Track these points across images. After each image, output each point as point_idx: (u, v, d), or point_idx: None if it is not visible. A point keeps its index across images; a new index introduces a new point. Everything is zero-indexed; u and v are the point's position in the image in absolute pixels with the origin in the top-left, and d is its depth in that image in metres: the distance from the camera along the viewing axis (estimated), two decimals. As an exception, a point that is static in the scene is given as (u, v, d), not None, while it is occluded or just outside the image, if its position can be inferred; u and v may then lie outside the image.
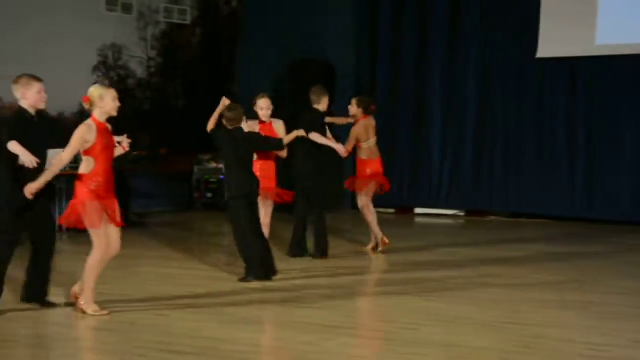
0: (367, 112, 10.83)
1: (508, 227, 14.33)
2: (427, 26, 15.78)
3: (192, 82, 16.55)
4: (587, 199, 14.53)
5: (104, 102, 7.07)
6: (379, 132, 15.99)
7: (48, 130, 7.47)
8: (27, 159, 6.92)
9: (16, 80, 7.32)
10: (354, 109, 10.82)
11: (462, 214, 15.77)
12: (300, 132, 9.45)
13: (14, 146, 6.99)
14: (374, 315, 7.32)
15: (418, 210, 15.98)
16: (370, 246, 10.91)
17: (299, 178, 10.22)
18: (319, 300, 7.91)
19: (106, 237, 7.06)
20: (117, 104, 7.12)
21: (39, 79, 7.33)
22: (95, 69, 14.98)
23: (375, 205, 16.11)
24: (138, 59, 15.68)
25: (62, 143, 7.04)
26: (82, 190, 7.02)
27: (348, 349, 6.34)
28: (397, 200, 16.02)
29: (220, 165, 15.90)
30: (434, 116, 15.72)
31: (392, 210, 16.08)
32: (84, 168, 7.06)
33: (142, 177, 14.94)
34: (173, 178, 15.96)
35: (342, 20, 16.34)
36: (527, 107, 14.98)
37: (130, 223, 13.36)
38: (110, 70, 15.16)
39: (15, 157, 7.00)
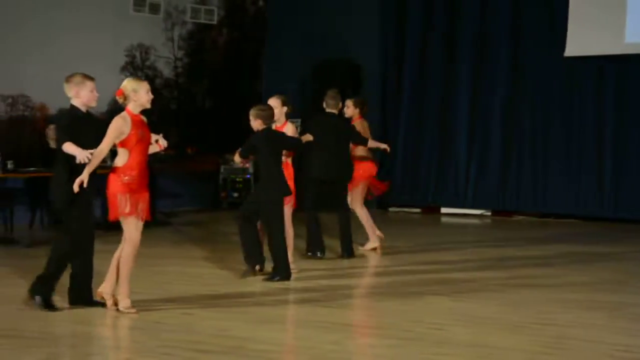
0: (362, 113, 10.82)
1: (535, 227, 14.26)
2: (455, 26, 15.71)
3: (219, 82, 16.56)
4: (615, 199, 14.42)
5: (138, 94, 7.12)
6: (407, 131, 16.07)
7: (98, 128, 7.51)
8: (82, 155, 6.94)
9: (69, 79, 7.36)
10: (350, 110, 10.79)
11: (488, 213, 15.69)
12: (309, 137, 9.58)
13: (68, 147, 7.04)
14: (399, 315, 7.28)
15: (444, 210, 15.91)
16: (369, 246, 10.76)
17: (318, 179, 10.16)
18: (342, 300, 7.89)
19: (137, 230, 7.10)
20: (151, 96, 7.19)
21: (91, 78, 7.39)
22: (123, 69, 14.99)
23: (402, 205, 16.16)
24: (165, 59, 15.71)
25: None
26: (115, 183, 7.06)
27: (372, 349, 6.32)
28: (423, 200, 15.99)
29: (247, 165, 15.93)
30: (461, 116, 15.67)
31: (418, 210, 16.04)
32: (119, 160, 7.11)
33: (168, 177, 14.97)
34: (199, 177, 15.99)
35: (369, 20, 16.31)
36: (555, 107, 14.89)
37: (157, 222, 13.42)
38: (137, 70, 15.18)
39: (72, 157, 7.04)
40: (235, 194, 16.06)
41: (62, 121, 7.34)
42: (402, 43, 16.15)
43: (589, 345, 6.51)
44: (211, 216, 15.24)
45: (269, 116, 8.83)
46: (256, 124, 8.79)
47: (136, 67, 15.22)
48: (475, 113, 15.62)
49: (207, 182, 16.10)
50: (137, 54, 15.27)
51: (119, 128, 7.05)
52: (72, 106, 7.32)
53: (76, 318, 7.18)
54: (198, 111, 16.32)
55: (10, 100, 13.46)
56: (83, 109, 7.32)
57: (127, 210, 7.07)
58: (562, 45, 14.72)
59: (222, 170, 16.06)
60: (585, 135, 14.66)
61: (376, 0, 16.34)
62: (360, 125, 10.72)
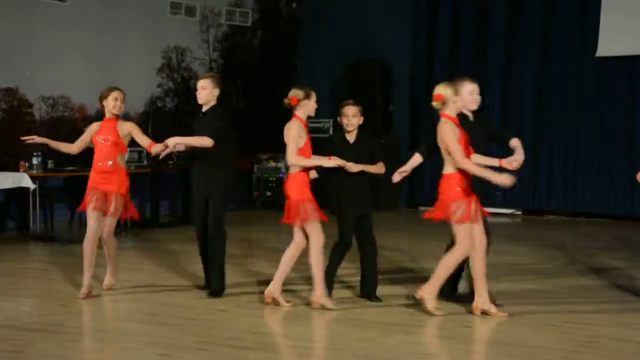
0: None
1: (567, 227, 14.14)
2: (485, 27, 15.67)
3: (253, 83, 16.59)
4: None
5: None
6: (433, 132, 15.96)
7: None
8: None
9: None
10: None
11: (519, 212, 15.59)
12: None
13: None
14: (428, 313, 7.24)
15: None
16: None
17: None
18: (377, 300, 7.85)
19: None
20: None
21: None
22: (160, 70, 15.06)
23: (427, 204, 16.08)
24: (200, 61, 15.76)
25: None
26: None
27: (405, 346, 6.29)
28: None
29: (280, 164, 15.94)
30: (491, 116, 15.57)
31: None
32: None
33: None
34: (234, 177, 16.00)
35: (400, 20, 16.29)
36: (585, 106, 14.78)
37: (191, 221, 13.45)
38: (173, 72, 15.25)
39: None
40: (269, 193, 16.09)
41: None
42: (433, 44, 16.12)
43: (621, 343, 6.45)
44: (245, 215, 15.26)
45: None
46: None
47: (172, 68, 15.28)
48: (505, 113, 15.56)
49: (241, 182, 16.12)
50: (173, 56, 15.33)
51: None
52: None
53: (116, 314, 7.21)
54: (232, 111, 16.34)
55: (50, 101, 13.56)
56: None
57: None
58: (594, 46, 14.62)
59: (255, 169, 16.09)
60: (616, 135, 14.54)
61: (408, 1, 16.30)
62: None
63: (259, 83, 16.61)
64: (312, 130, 15.21)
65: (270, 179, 16.06)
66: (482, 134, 7.58)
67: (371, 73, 15.67)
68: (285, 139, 7.43)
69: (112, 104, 7.83)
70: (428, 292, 7.14)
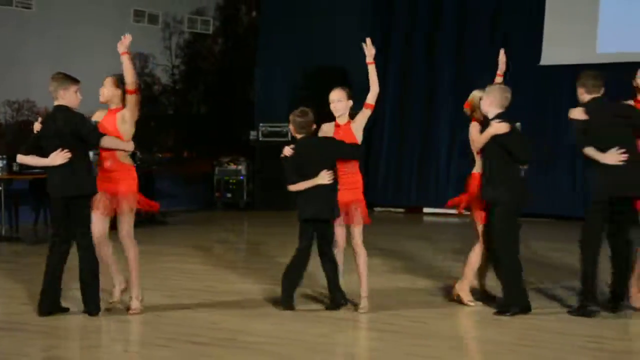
0: None
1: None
2: (436, 35, 15.72)
3: (214, 89, 16.58)
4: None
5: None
6: (390, 134, 16.05)
7: None
8: None
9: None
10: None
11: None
12: None
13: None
14: (382, 309, 7.30)
15: (426, 210, 15.90)
16: None
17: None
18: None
19: None
20: None
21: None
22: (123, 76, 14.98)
23: (386, 205, 16.17)
24: (163, 67, 15.71)
25: None
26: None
27: (357, 340, 6.34)
28: (406, 200, 16.00)
29: (240, 167, 15.94)
30: (442, 119, 15.68)
31: (401, 210, 16.05)
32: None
33: (166, 178, 14.98)
34: (195, 179, 15.99)
35: (355, 27, 16.31)
36: (530, 111, 14.76)
37: (155, 222, 13.42)
38: (137, 78, 15.17)
39: None
40: (229, 195, 16.08)
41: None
42: (387, 50, 16.14)
43: (565, 337, 6.54)
44: (206, 215, 15.24)
45: (303, 124, 7.38)
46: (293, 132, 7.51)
47: (135, 74, 15.20)
48: (456, 116, 15.62)
49: (202, 184, 16.11)
50: (137, 62, 15.27)
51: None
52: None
53: (79, 312, 7.19)
54: (194, 116, 16.32)
55: (16, 105, 13.46)
56: None
57: None
58: (539, 54, 14.75)
59: (216, 172, 16.07)
60: (559, 138, 14.63)
61: (362, 9, 16.34)
62: None
63: (219, 88, 16.60)
64: (270, 134, 15.49)
65: (231, 181, 16.05)
66: None
67: (329, 78, 15.70)
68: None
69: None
70: (461, 290, 7.40)
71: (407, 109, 15.98)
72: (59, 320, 6.91)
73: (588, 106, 7.27)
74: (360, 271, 7.21)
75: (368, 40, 7.52)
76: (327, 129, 7.46)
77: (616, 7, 14.12)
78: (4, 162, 11.63)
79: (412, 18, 16.00)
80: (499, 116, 7.41)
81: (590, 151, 7.08)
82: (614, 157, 6.97)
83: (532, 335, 6.56)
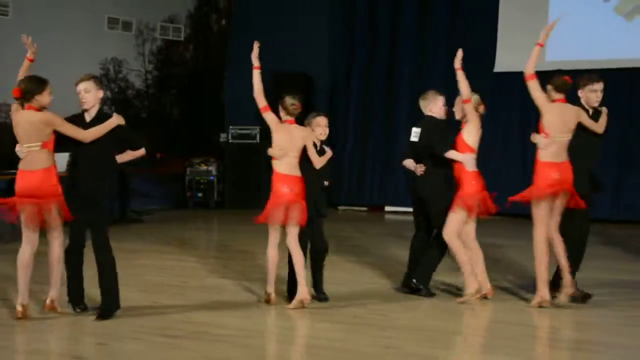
0: None
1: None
2: (396, 43, 15.77)
3: (185, 93, 16.51)
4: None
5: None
6: (354, 138, 16.08)
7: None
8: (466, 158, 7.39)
9: (424, 96, 8.06)
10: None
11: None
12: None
13: (453, 154, 7.43)
14: (349, 301, 7.30)
15: (388, 208, 15.95)
16: None
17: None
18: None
19: None
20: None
21: (441, 93, 8.01)
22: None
23: (349, 204, 16.20)
24: (136, 72, 15.62)
25: None
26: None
27: (321, 332, 6.34)
28: (369, 199, 16.04)
29: (211, 168, 15.90)
30: (401, 125, 15.65)
31: (364, 209, 16.09)
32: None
33: (140, 178, 14.88)
34: (167, 179, 15.93)
35: (320, 36, 16.35)
36: (485, 116, 14.82)
37: (129, 220, 13.34)
38: (111, 82, 15.08)
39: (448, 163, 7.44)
40: (200, 194, 16.03)
41: (438, 132, 7.68)
42: (351, 59, 16.18)
43: (517, 328, 6.58)
44: (178, 214, 15.18)
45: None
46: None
47: (110, 79, 15.12)
48: (415, 120, 15.62)
49: (174, 183, 16.05)
50: (111, 67, 15.18)
51: None
52: (432, 117, 7.94)
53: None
54: (166, 119, 16.25)
55: (-6, 107, 13.35)
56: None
57: None
58: (492, 61, 14.83)
59: (188, 172, 16.03)
60: (510, 139, 14.70)
61: (327, 19, 16.36)
62: None
63: (191, 93, 16.54)
64: (239, 136, 15.45)
65: (202, 181, 15.99)
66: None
67: (295, 85, 15.68)
68: (311, 151, 7.28)
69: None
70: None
71: (369, 113, 16.00)
72: (34, 314, 6.81)
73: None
74: (297, 271, 7.09)
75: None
76: None
77: (563, 17, 14.18)
78: (-18, 162, 11.51)
79: (373, 33, 15.96)
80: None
81: None
82: None
83: (487, 325, 6.59)
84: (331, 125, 14.39)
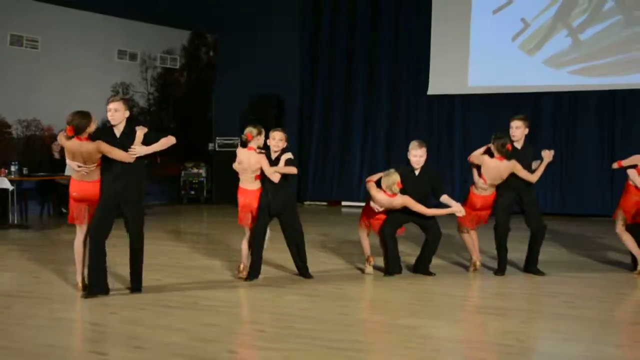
0: None
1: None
2: (352, 69, 15.66)
3: (180, 111, 16.45)
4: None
5: None
6: (317, 144, 16.02)
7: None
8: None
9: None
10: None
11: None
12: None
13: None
14: (313, 280, 7.35)
15: (344, 203, 15.96)
16: None
17: None
18: (279, 274, 7.91)
19: None
20: None
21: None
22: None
23: (311, 199, 16.19)
24: (140, 94, 15.54)
25: None
26: None
27: (293, 303, 6.38)
28: (328, 195, 16.05)
29: (201, 171, 15.88)
30: (356, 134, 15.70)
31: (325, 203, 16.10)
32: None
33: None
34: (165, 180, 15.83)
35: (291, 66, 16.36)
36: (421, 130, 14.67)
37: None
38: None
39: None
40: (192, 192, 16.00)
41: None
42: (315, 83, 16.13)
43: (447, 298, 6.66)
44: (174, 208, 15.11)
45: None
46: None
47: (119, 99, 15.05)
48: (366, 132, 15.68)
49: (171, 183, 15.98)
50: (120, 90, 15.10)
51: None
52: None
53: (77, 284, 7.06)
54: (165, 131, 16.06)
55: (25, 123, 13.23)
56: None
57: None
58: (426, 85, 14.90)
59: (182, 174, 16.02)
60: (441, 153, 14.68)
61: (297, 51, 16.35)
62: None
63: (185, 110, 16.49)
64: (224, 145, 15.42)
65: (194, 181, 15.99)
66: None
67: (269, 105, 15.70)
68: (260, 164, 7.16)
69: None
70: None
71: (329, 127, 15.97)
72: (61, 290, 6.80)
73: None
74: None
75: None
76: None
77: (483, 48, 14.36)
78: (17, 167, 11.47)
79: (332, 60, 15.93)
80: None
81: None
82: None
83: (423, 296, 6.68)
84: (299, 137, 14.48)
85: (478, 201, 7.59)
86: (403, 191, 7.24)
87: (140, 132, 6.51)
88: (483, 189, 7.56)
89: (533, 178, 7.57)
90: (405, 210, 7.31)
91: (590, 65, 13.52)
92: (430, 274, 7.58)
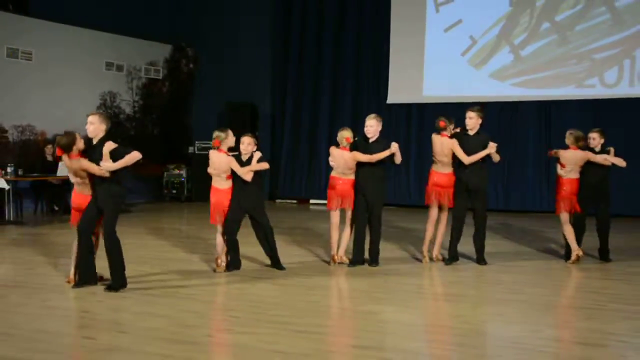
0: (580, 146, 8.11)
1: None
2: (319, 76, 15.57)
3: (163, 117, 16.33)
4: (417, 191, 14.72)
5: None
6: (287, 147, 15.98)
7: None
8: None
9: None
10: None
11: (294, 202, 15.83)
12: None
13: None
14: (285, 271, 7.34)
15: (312, 201, 15.96)
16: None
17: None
18: (252, 266, 7.89)
19: None
20: None
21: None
22: (98, 107, 14.61)
23: (281, 198, 16.14)
24: (126, 102, 15.38)
25: None
26: None
27: (265, 291, 6.37)
28: (298, 193, 16.03)
29: (182, 172, 15.77)
30: (322, 137, 15.68)
31: (294, 201, 16.09)
32: None
33: (129, 179, 14.61)
34: (149, 180, 15.70)
35: (264, 75, 16.32)
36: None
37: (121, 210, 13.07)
38: (107, 109, 14.84)
39: None
40: (174, 191, 15.88)
41: None
42: (285, 91, 16.08)
43: (405, 286, 6.69)
44: (157, 206, 14.99)
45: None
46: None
47: (107, 106, 14.88)
48: (332, 137, 15.65)
49: (154, 183, 15.86)
50: (108, 98, 14.95)
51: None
52: None
53: (67, 274, 6.96)
54: (149, 136, 16.03)
55: (20, 128, 13.05)
56: None
57: None
58: (386, 95, 14.95)
59: (164, 175, 15.90)
60: (396, 171, 14.48)
61: (268, 62, 16.28)
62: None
63: (167, 117, 16.37)
64: (203, 149, 15.33)
65: (175, 181, 15.87)
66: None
67: (243, 112, 15.65)
68: (230, 165, 7.05)
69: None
70: None
71: (299, 131, 15.92)
72: (53, 280, 6.70)
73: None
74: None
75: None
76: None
77: (436, 62, 14.46)
78: (13, 168, 11.41)
79: (300, 69, 15.87)
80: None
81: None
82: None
83: (382, 284, 6.71)
84: (270, 140, 14.40)
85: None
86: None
87: (107, 148, 6.17)
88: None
89: (466, 160, 7.60)
90: None
91: (530, 78, 13.73)
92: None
